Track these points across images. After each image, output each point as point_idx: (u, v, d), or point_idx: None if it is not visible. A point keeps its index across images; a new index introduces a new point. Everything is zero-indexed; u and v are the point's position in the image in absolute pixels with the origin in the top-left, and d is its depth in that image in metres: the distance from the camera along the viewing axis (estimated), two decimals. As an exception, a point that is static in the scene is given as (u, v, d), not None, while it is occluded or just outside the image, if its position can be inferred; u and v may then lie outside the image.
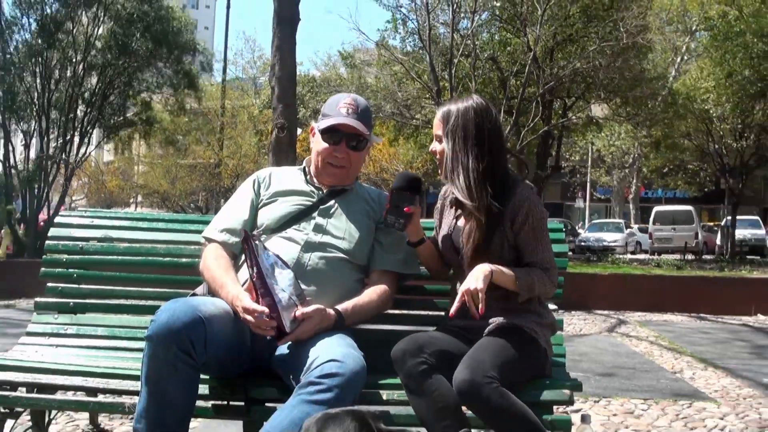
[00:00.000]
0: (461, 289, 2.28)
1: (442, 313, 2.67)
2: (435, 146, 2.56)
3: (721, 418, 3.78)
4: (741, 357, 5.77)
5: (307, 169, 2.72)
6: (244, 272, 2.41)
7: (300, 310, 2.25)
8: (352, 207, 2.63)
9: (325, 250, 2.49)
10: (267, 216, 2.59)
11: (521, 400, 2.34)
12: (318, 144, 2.62)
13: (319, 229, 2.54)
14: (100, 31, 14.68)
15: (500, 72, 18.70)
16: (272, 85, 11.91)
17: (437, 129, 2.54)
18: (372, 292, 2.51)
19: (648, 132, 23.64)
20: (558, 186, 39.06)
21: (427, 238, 2.62)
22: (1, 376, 2.40)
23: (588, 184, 39.06)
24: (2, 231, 14.76)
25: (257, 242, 2.28)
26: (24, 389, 2.43)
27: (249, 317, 2.21)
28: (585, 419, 2.60)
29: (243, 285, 2.38)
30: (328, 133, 2.59)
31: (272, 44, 11.83)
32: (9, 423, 2.54)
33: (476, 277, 2.26)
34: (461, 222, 2.53)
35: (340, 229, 2.56)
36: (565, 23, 17.54)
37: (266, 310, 2.19)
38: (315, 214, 2.57)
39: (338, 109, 2.61)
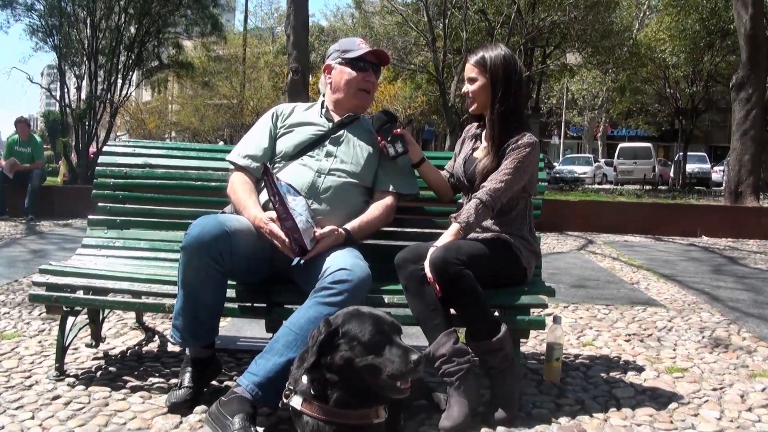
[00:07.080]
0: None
1: (438, 231, 2.65)
2: (467, 87, 2.49)
3: (669, 321, 3.82)
4: (687, 271, 5.80)
5: (324, 103, 2.65)
6: (264, 196, 2.38)
7: (318, 231, 2.23)
8: (359, 136, 2.57)
9: (335, 174, 2.45)
10: (285, 144, 2.54)
11: (503, 304, 2.35)
12: (347, 75, 2.55)
13: (329, 155, 2.50)
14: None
15: (488, 23, 18.26)
16: (287, 33, 11.64)
17: (470, 72, 2.46)
18: (375, 209, 2.48)
19: (615, 78, 23.34)
20: (537, 125, 38.30)
21: (428, 159, 2.60)
22: (62, 280, 2.44)
23: (563, 124, 38.62)
24: (60, 162, 14.74)
25: (276, 175, 2.25)
26: (81, 292, 2.46)
27: (276, 241, 2.21)
28: (556, 320, 2.62)
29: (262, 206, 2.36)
30: (359, 62, 2.54)
31: (288, -4, 11.50)
32: (70, 320, 2.59)
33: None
34: (477, 153, 2.49)
35: (348, 155, 2.51)
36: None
37: (286, 239, 2.19)
38: (326, 142, 2.52)
39: (358, 45, 2.59)
